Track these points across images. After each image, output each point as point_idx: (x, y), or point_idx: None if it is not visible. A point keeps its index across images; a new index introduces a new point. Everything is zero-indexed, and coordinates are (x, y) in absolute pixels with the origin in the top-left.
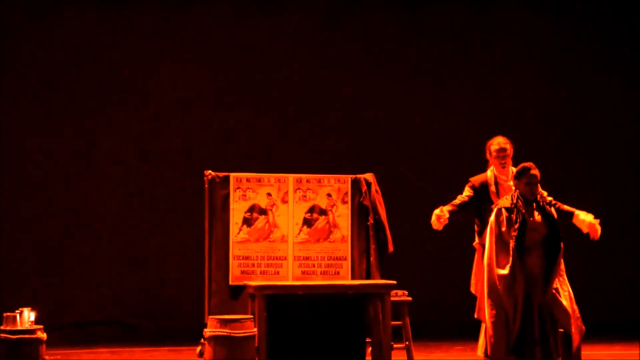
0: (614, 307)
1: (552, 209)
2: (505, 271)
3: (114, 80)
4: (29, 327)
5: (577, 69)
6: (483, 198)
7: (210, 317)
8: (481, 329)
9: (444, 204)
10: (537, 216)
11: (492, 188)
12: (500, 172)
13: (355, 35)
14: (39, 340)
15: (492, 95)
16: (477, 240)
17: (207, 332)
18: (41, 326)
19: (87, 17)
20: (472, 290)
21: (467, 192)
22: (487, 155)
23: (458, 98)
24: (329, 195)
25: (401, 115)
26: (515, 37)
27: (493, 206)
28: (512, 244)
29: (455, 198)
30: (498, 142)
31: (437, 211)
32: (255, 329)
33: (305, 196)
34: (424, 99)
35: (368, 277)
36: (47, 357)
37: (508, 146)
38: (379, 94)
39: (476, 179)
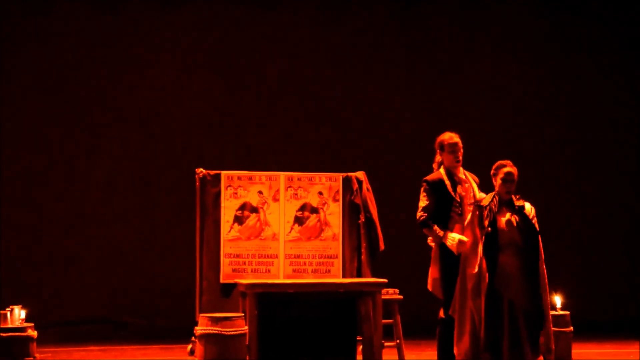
0: (614, 307)
1: (529, 212)
2: (474, 270)
3: (104, 79)
4: (20, 325)
5: (568, 68)
6: (440, 196)
7: (201, 315)
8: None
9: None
10: (511, 216)
11: (448, 183)
12: (453, 166)
13: (347, 34)
14: (29, 338)
15: (485, 95)
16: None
17: (198, 330)
18: (32, 324)
19: (80, 16)
20: (429, 287)
21: (427, 197)
22: (438, 151)
23: (451, 97)
24: (320, 193)
25: (393, 114)
26: (506, 38)
27: (472, 205)
28: (481, 242)
29: (422, 208)
30: (451, 137)
31: (459, 238)
32: (246, 327)
33: (296, 194)
34: (416, 98)
35: (359, 275)
36: (37, 355)
37: (460, 140)
38: (371, 93)
39: (431, 178)
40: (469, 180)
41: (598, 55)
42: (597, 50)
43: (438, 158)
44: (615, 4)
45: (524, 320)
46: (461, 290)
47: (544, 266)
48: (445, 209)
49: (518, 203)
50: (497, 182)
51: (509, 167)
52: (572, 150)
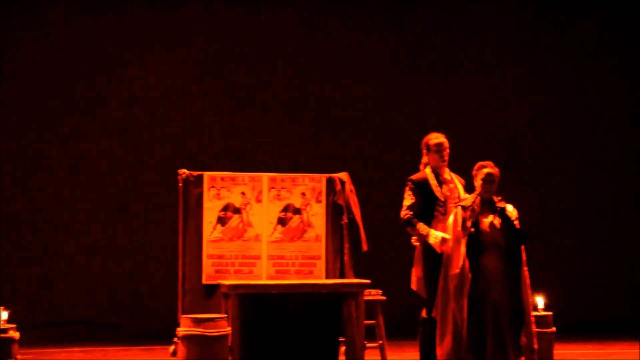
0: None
1: (511, 214)
2: (456, 271)
3: (89, 80)
4: (1, 326)
5: (564, 69)
6: (425, 195)
7: (183, 316)
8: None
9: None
10: (493, 217)
11: (434, 182)
12: (439, 166)
13: (333, 36)
14: (11, 340)
15: (471, 96)
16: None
17: (181, 331)
18: (14, 325)
19: (64, 18)
20: (413, 287)
21: (412, 196)
22: (424, 150)
23: (435, 98)
24: (303, 194)
25: (377, 115)
26: (495, 39)
27: (454, 205)
28: (464, 243)
29: (407, 207)
30: (437, 137)
31: (441, 236)
32: (229, 328)
33: (279, 195)
34: (400, 99)
35: (342, 276)
36: (19, 356)
37: (446, 140)
38: (355, 94)
39: (416, 177)
40: (455, 181)
41: (596, 55)
42: (596, 50)
43: (425, 159)
44: (612, 4)
45: (507, 321)
46: (443, 291)
47: (526, 267)
48: (429, 208)
49: (500, 204)
50: (478, 182)
51: (490, 168)
52: (564, 151)
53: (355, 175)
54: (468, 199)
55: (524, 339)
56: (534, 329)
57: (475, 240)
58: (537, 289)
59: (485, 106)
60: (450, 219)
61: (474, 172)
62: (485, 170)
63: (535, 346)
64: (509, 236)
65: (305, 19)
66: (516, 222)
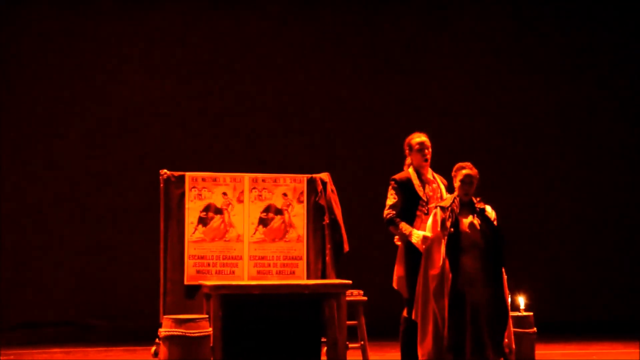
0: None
1: (490, 215)
2: (436, 271)
3: (70, 80)
4: None
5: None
6: (408, 194)
7: (165, 316)
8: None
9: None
10: (473, 218)
11: (417, 182)
12: (421, 166)
13: (313, 35)
14: None
15: (451, 95)
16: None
17: (162, 331)
18: None
19: (44, 17)
20: (394, 285)
21: (395, 195)
22: (407, 150)
23: (416, 98)
24: (284, 194)
25: (358, 115)
26: (477, 37)
27: (433, 207)
28: (443, 243)
29: (389, 206)
30: (419, 136)
31: (423, 234)
32: (210, 329)
33: (260, 195)
34: (381, 99)
35: (323, 276)
36: (0, 357)
37: (428, 140)
38: (335, 94)
39: (399, 177)
40: (437, 181)
41: (570, 52)
42: (568, 47)
43: (408, 160)
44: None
45: (487, 321)
46: (423, 292)
47: (504, 268)
48: (412, 207)
49: (479, 205)
50: (457, 183)
51: (468, 169)
52: (547, 150)
53: (336, 175)
54: (447, 199)
55: (506, 340)
56: (512, 329)
57: (455, 240)
58: (518, 289)
59: (468, 106)
60: (430, 219)
61: (453, 173)
62: (464, 172)
63: (513, 346)
64: (488, 237)
65: (284, 19)
66: (495, 223)
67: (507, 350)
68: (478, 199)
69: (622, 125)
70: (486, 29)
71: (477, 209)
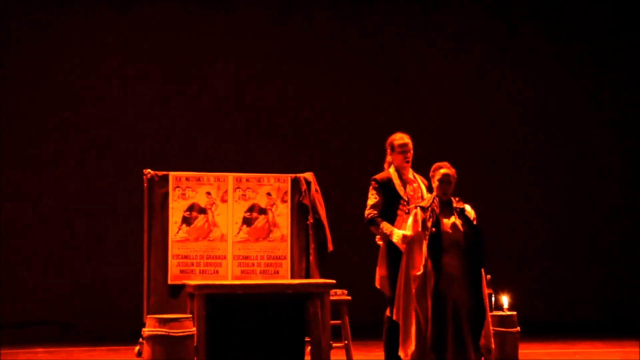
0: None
1: (470, 214)
2: (418, 271)
3: (54, 79)
4: None
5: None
6: (389, 194)
7: (149, 316)
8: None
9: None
10: (454, 217)
11: (398, 182)
12: (403, 167)
13: (296, 37)
14: None
15: (434, 96)
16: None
17: (146, 331)
18: None
19: (23, 16)
20: (377, 285)
21: (376, 195)
22: (388, 150)
23: (399, 99)
24: (268, 194)
25: (341, 115)
26: (459, 37)
27: (412, 207)
28: (425, 243)
29: (371, 206)
30: (401, 137)
31: (402, 233)
32: (194, 329)
33: (244, 195)
34: (364, 99)
35: (307, 276)
36: None
37: (410, 141)
38: (319, 94)
39: (380, 177)
40: (418, 181)
41: (555, 50)
42: (553, 45)
43: (389, 158)
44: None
45: (468, 321)
46: (405, 292)
47: (483, 268)
48: (393, 207)
49: (458, 205)
50: (435, 183)
51: (446, 169)
52: (529, 150)
53: (320, 175)
54: (426, 199)
55: (482, 340)
56: (491, 329)
57: (437, 240)
58: (502, 288)
59: (449, 106)
60: (410, 219)
61: (430, 173)
62: (442, 171)
63: (492, 346)
64: (469, 236)
65: (267, 20)
66: (474, 222)
67: (485, 350)
68: (457, 199)
69: (614, 124)
70: (473, 30)
71: (457, 209)
